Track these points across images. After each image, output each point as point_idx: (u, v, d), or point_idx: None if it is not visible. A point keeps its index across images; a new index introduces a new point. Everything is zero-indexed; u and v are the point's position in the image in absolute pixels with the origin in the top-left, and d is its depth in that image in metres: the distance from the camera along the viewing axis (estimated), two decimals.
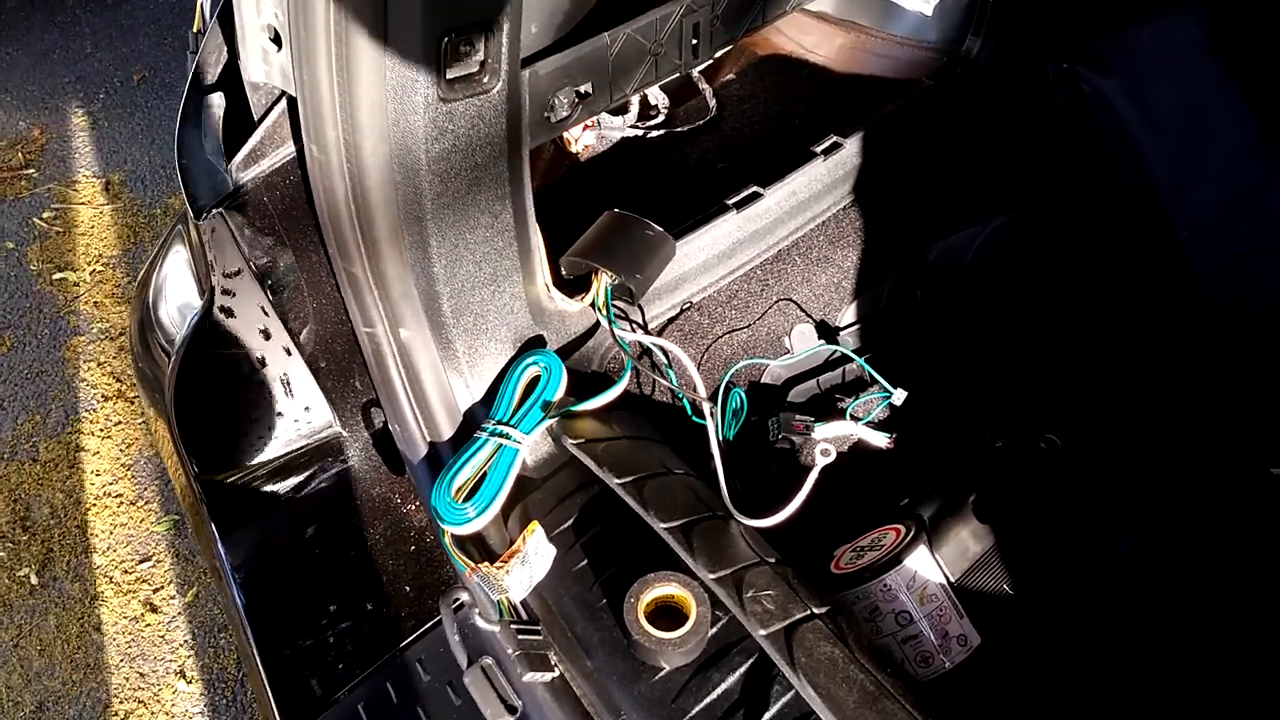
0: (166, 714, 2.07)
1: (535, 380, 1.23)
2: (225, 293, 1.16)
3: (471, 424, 1.21)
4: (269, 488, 1.24)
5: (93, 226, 3.03)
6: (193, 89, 1.11)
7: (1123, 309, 1.62)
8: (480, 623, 1.12)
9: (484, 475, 1.15)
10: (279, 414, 1.23)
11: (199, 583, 2.24)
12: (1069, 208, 1.69)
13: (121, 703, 2.08)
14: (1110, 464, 1.42)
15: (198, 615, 2.20)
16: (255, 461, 1.24)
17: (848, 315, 1.61)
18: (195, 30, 1.28)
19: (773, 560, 1.07)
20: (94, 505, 2.39)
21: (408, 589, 1.23)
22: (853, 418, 1.46)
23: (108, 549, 2.31)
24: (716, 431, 1.19)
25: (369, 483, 1.28)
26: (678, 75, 1.40)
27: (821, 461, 1.19)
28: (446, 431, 1.23)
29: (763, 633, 0.98)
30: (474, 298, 1.19)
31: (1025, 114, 1.72)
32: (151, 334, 1.36)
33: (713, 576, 1.03)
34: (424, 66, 0.97)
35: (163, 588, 2.25)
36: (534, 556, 1.11)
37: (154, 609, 2.21)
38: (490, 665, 1.09)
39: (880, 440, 1.45)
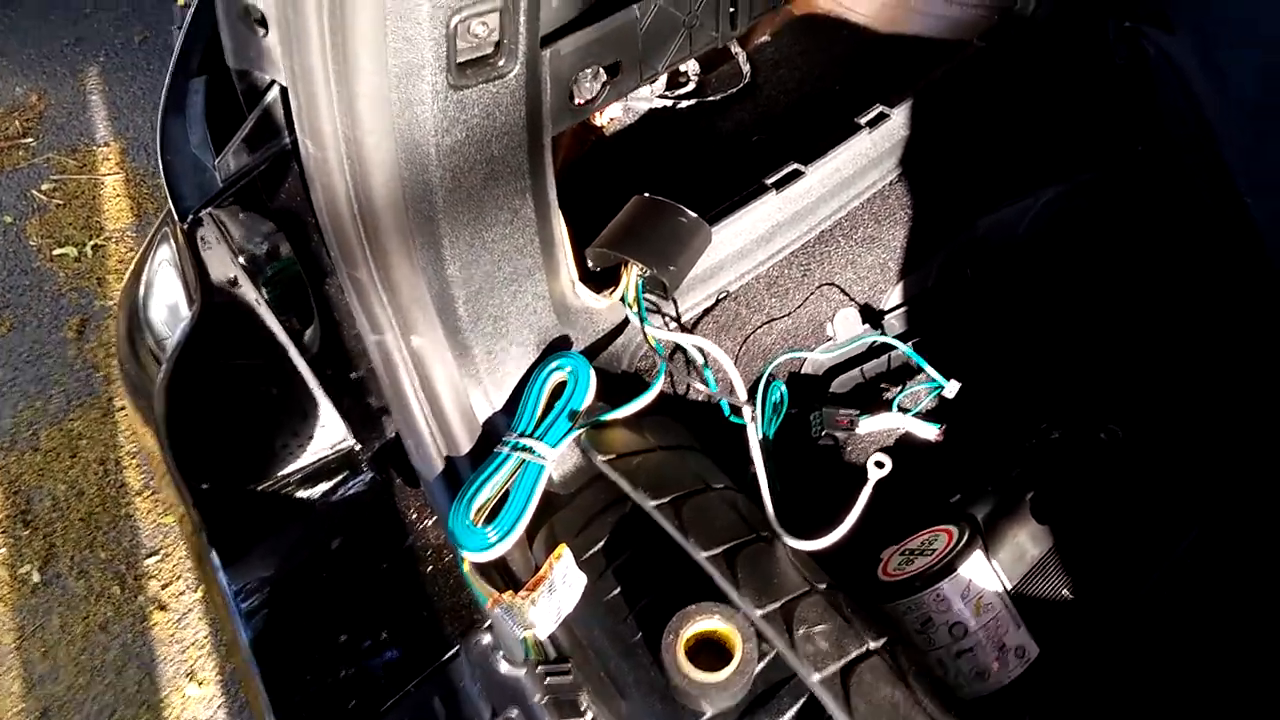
0: None
1: (561, 386, 1.14)
2: (217, 300, 1.06)
3: (492, 437, 1.13)
4: (274, 510, 1.15)
5: (94, 198, 2.94)
6: (176, 74, 1.01)
7: (1187, 287, 1.54)
8: (504, 666, 1.03)
9: (506, 494, 1.07)
10: (283, 428, 1.14)
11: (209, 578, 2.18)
12: (1127, 176, 1.60)
13: (129, 708, 2.02)
14: (1176, 455, 1.35)
15: (209, 612, 2.13)
16: (258, 481, 1.15)
17: (894, 297, 1.53)
18: (181, 2, 1.17)
19: (823, 586, 0.99)
20: (98, 496, 2.32)
21: (425, 614, 1.15)
22: (900, 409, 1.40)
23: (113, 543, 2.24)
24: (757, 436, 1.10)
25: (383, 500, 1.19)
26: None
27: (875, 475, 1.09)
28: (465, 445, 1.14)
29: (817, 678, 0.90)
30: (492, 300, 1.09)
31: (1082, 76, 1.62)
32: (140, 335, 1.27)
33: (760, 612, 0.94)
34: (431, 50, 0.87)
35: (171, 583, 2.18)
36: (561, 585, 1.03)
37: (162, 606, 2.14)
38: (515, 718, 1.00)
39: (929, 432, 1.38)
